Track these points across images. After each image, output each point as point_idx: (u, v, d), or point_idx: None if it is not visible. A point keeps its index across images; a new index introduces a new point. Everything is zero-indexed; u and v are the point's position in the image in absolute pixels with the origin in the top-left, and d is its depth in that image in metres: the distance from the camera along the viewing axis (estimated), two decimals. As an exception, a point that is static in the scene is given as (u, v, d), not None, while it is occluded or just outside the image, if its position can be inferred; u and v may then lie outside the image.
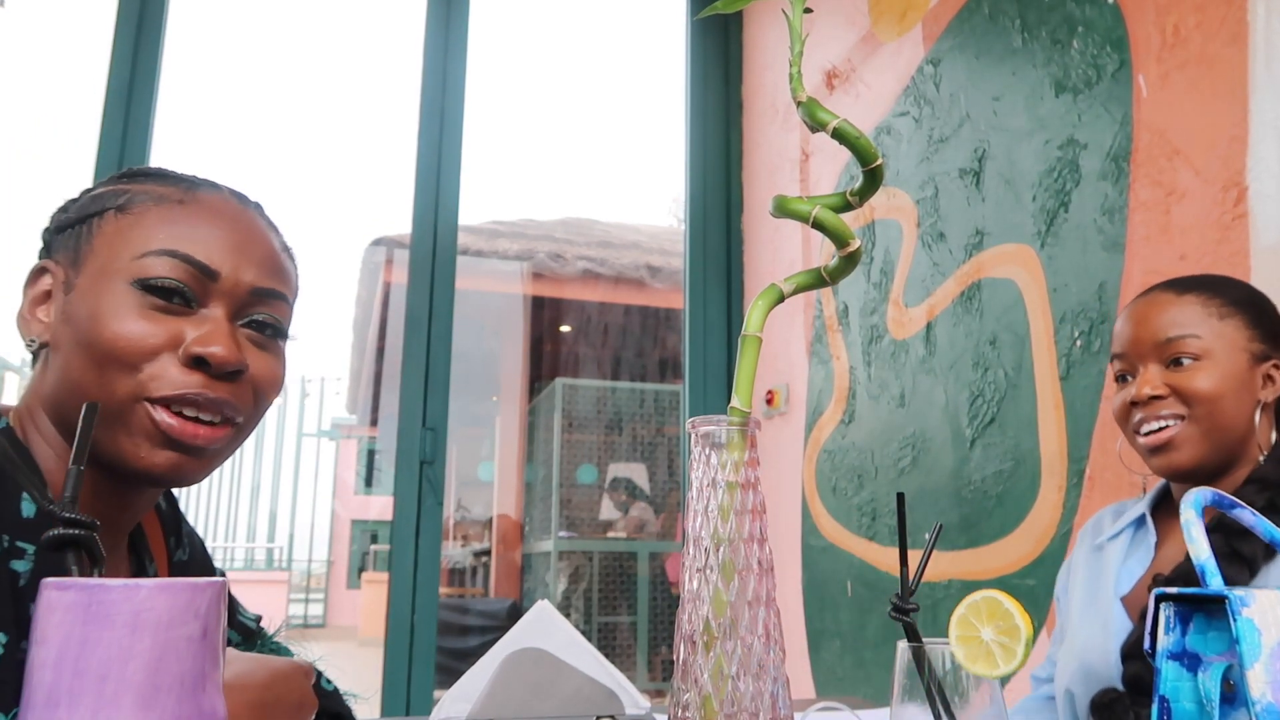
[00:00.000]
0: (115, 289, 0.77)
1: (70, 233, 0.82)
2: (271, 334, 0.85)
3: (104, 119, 2.54)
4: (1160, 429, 1.17)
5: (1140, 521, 1.28)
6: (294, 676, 0.78)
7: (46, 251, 0.85)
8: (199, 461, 0.79)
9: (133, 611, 0.44)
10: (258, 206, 0.89)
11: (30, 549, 0.72)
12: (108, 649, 0.44)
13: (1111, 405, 1.25)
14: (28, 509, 0.73)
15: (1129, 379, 1.22)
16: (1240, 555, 1.05)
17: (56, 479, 0.79)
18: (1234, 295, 1.20)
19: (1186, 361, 1.16)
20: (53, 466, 0.79)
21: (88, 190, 0.86)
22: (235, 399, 0.80)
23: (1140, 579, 1.22)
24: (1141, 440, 1.19)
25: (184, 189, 0.83)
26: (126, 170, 0.88)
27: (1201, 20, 1.64)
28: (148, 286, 0.77)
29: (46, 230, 0.86)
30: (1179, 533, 1.20)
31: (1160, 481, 1.29)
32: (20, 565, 0.71)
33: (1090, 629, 1.23)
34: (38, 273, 0.83)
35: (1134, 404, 1.19)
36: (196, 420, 0.78)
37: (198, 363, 0.78)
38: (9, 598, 0.70)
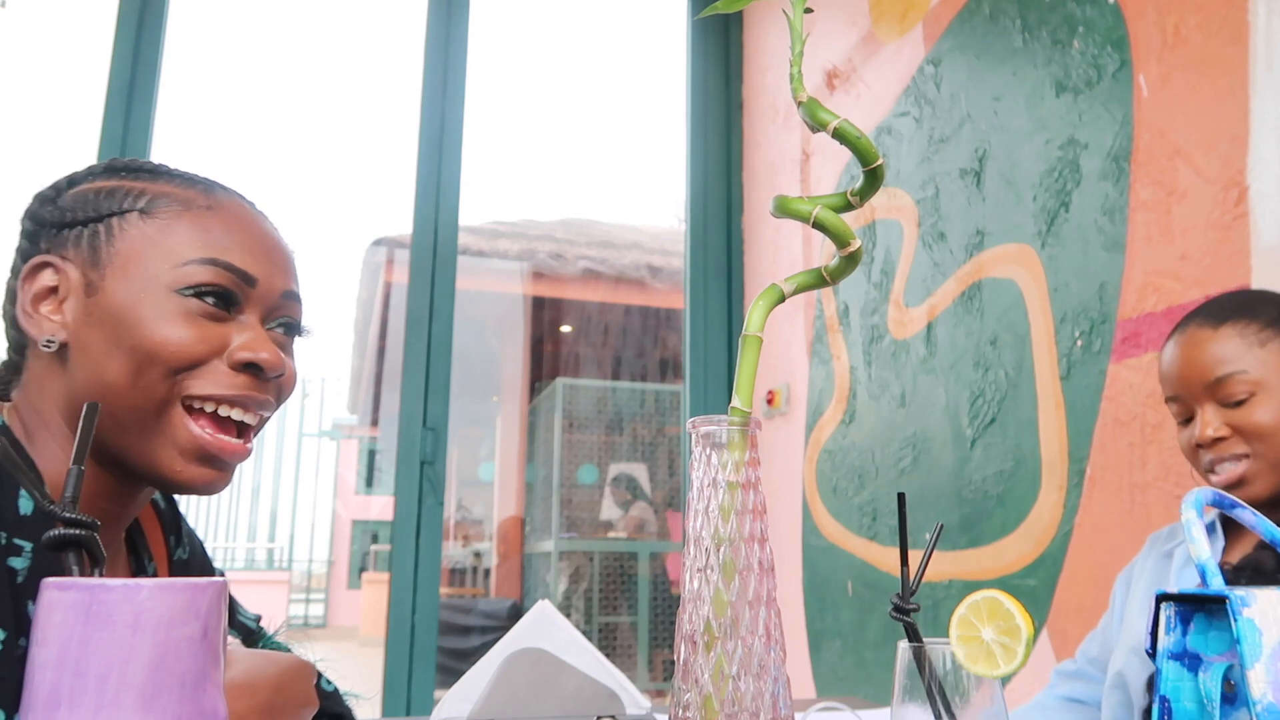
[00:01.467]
0: (156, 295, 0.78)
1: (79, 231, 0.81)
2: (294, 334, 0.88)
3: (105, 118, 2.54)
4: (1229, 468, 1.19)
5: (1209, 528, 1.29)
6: (300, 676, 0.78)
7: (34, 244, 0.83)
8: (227, 475, 0.82)
9: (133, 612, 0.44)
10: (262, 209, 0.90)
11: (28, 546, 0.71)
12: (108, 649, 0.44)
13: (1179, 442, 1.27)
14: (25, 506, 0.72)
15: (1187, 420, 1.24)
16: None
17: (60, 480, 0.78)
18: (1268, 315, 1.20)
19: (1241, 398, 1.17)
20: (58, 467, 0.79)
21: (73, 182, 0.84)
22: (273, 398, 0.84)
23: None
24: (1214, 479, 1.21)
25: (204, 193, 0.84)
26: (116, 163, 0.87)
27: (1202, 20, 1.63)
28: (195, 293, 0.78)
29: (34, 221, 0.84)
30: (1246, 536, 1.23)
31: (1193, 489, 1.31)
32: (18, 562, 0.71)
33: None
34: (36, 268, 0.81)
35: (1199, 445, 1.21)
36: (234, 426, 0.81)
37: (247, 367, 0.80)
38: (7, 595, 0.70)
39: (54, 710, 0.43)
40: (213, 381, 0.79)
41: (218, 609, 0.48)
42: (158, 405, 0.77)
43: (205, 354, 0.78)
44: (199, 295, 0.78)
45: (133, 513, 0.85)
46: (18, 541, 0.71)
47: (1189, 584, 1.25)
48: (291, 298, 0.86)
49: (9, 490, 0.73)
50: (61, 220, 0.82)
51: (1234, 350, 1.18)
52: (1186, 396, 1.22)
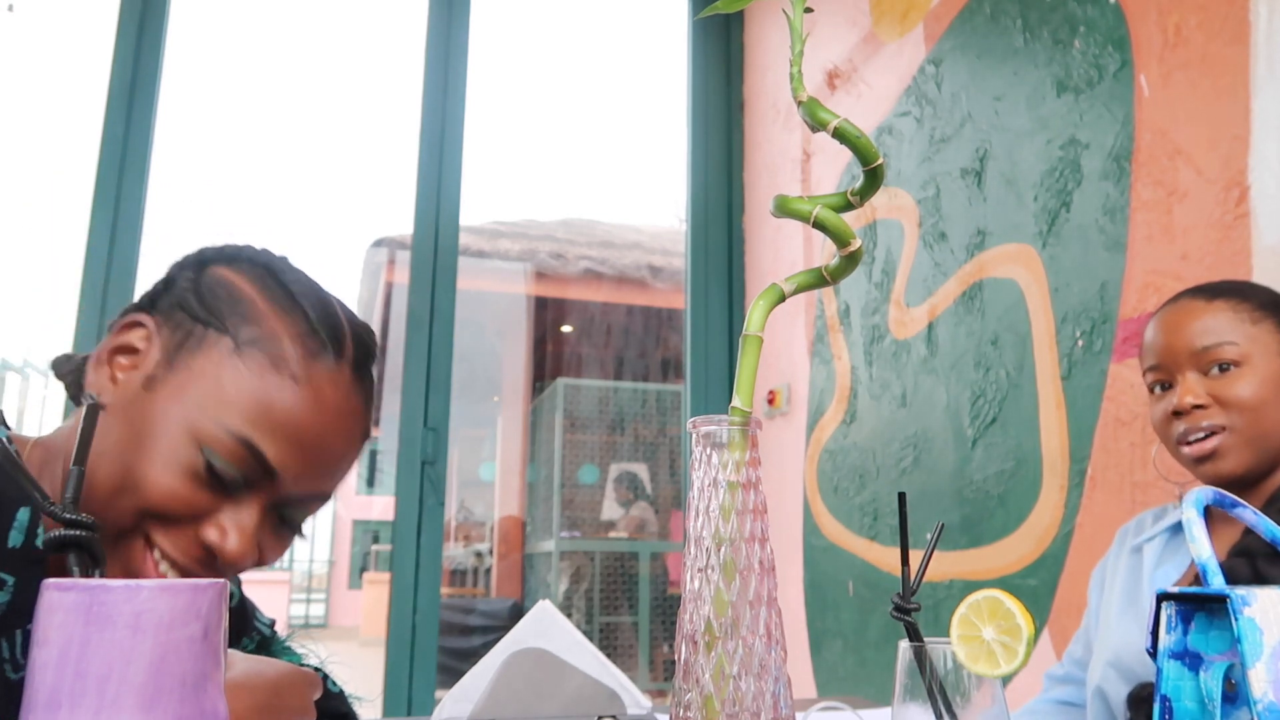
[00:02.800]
0: (177, 431, 0.74)
1: (184, 318, 0.78)
2: (294, 531, 0.83)
3: (106, 118, 2.54)
4: (1203, 438, 1.16)
5: (1177, 528, 1.27)
6: (299, 683, 0.77)
7: (155, 298, 0.80)
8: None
9: (134, 612, 0.44)
10: (371, 379, 0.86)
11: (10, 580, 0.68)
12: (109, 650, 0.44)
13: (1150, 416, 1.25)
14: (15, 538, 0.69)
15: (1165, 389, 1.22)
16: (1267, 580, 1.05)
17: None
18: (1262, 299, 1.19)
19: (1226, 369, 1.16)
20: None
21: (231, 259, 0.81)
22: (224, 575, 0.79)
23: (1178, 582, 1.22)
24: (1186, 450, 1.19)
25: (310, 358, 0.79)
26: (274, 264, 0.82)
27: (1203, 20, 1.63)
28: (209, 462, 0.74)
29: (167, 285, 0.81)
30: (1218, 536, 1.19)
31: (1193, 489, 1.28)
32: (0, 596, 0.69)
33: (1128, 629, 1.23)
34: (133, 324, 0.78)
35: (1176, 414, 1.19)
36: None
37: (209, 546, 0.76)
38: None
39: (55, 711, 0.43)
40: (171, 542, 0.75)
41: (218, 609, 0.48)
42: (118, 531, 0.74)
43: (182, 515, 0.74)
44: (210, 462, 0.74)
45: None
46: (1, 575, 0.69)
47: (1164, 583, 1.23)
48: (311, 499, 0.81)
49: (2, 520, 0.70)
50: (182, 297, 0.79)
51: (1225, 323, 1.17)
52: (1170, 364, 1.20)
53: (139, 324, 0.79)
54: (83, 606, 0.44)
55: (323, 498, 0.82)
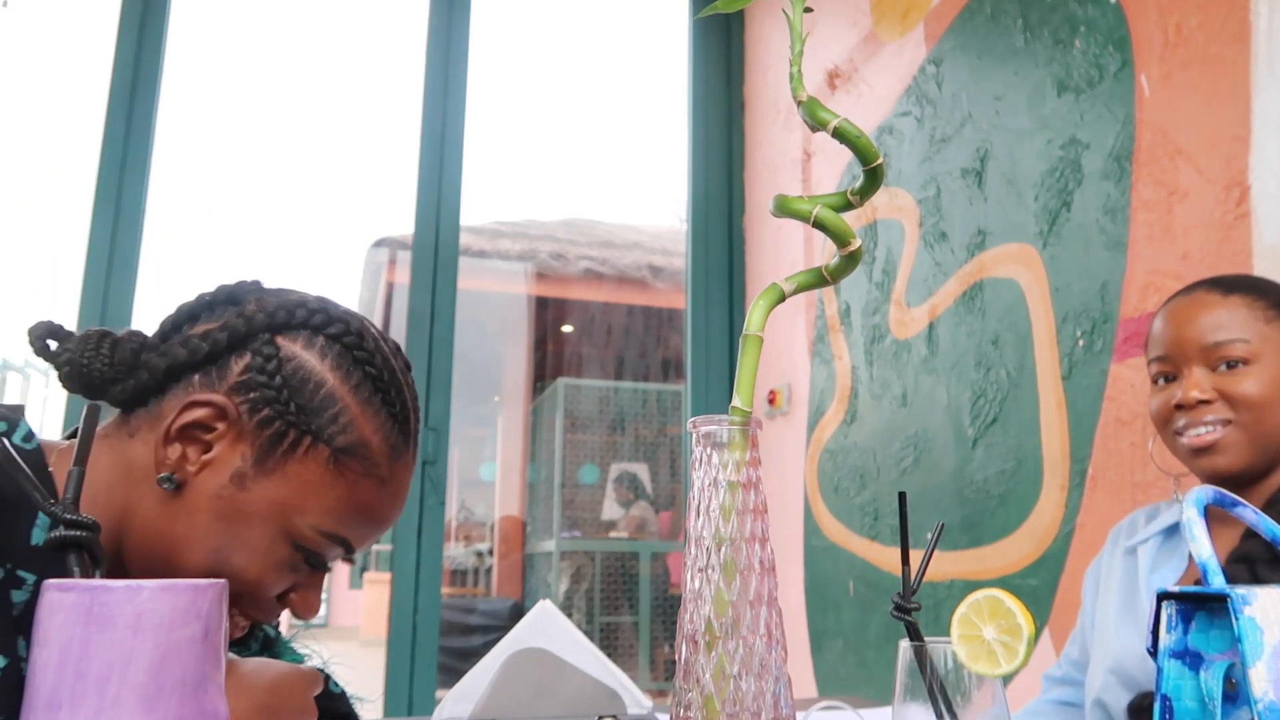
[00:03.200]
0: (274, 532, 0.76)
1: (270, 414, 0.76)
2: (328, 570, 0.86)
3: (107, 118, 2.54)
4: (1204, 432, 1.15)
5: (1172, 530, 1.26)
6: (298, 683, 0.78)
7: (211, 365, 0.77)
8: None
9: (134, 613, 0.44)
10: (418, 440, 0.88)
11: (31, 579, 0.70)
12: (109, 650, 0.44)
13: (1149, 407, 1.23)
14: (38, 536, 0.71)
15: (1169, 380, 1.20)
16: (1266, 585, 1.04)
17: None
18: (1277, 297, 1.17)
19: (1235, 365, 1.14)
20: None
21: (316, 328, 0.79)
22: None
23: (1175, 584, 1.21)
24: (1184, 441, 1.17)
25: (392, 458, 0.81)
26: (359, 342, 0.80)
27: (1204, 20, 1.63)
28: (304, 553, 0.78)
29: (230, 347, 0.77)
30: (1217, 540, 1.17)
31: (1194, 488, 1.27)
32: (19, 595, 0.70)
33: (1127, 635, 1.21)
34: (204, 404, 0.75)
35: (1178, 407, 1.17)
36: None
37: (290, 611, 0.81)
38: (8, 626, 0.69)
39: (55, 711, 0.43)
40: (256, 608, 0.79)
41: (218, 610, 0.48)
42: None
43: (270, 593, 0.78)
44: (306, 558, 0.78)
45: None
46: (21, 574, 0.70)
47: (1162, 588, 1.22)
48: (356, 552, 0.84)
49: (25, 519, 0.71)
50: (264, 385, 0.76)
51: (1240, 319, 1.15)
52: (1177, 356, 1.18)
53: (207, 405, 0.76)
54: (83, 607, 0.44)
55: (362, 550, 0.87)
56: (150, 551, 0.76)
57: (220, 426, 0.75)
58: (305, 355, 0.79)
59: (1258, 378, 1.13)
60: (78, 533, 0.52)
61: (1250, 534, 1.09)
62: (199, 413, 0.75)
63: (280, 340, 0.78)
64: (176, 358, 0.77)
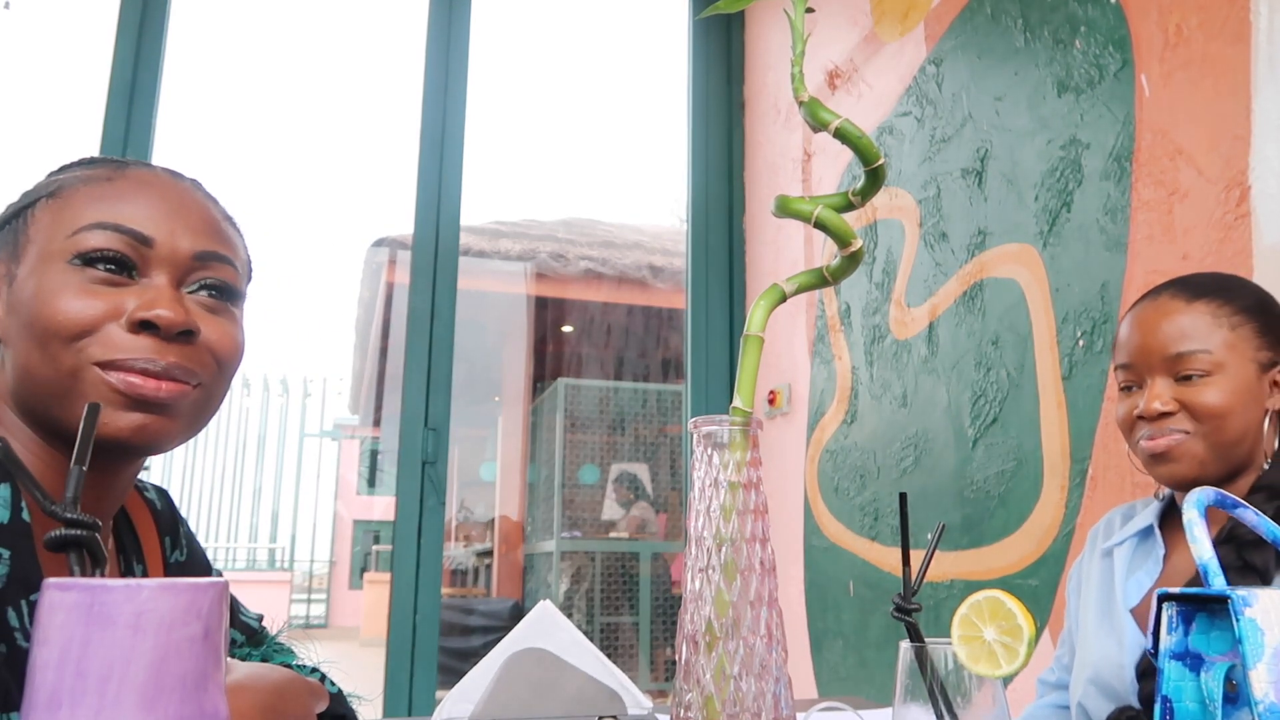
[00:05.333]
0: (53, 269, 0.77)
1: (7, 229, 0.82)
2: (221, 297, 0.83)
3: (106, 118, 2.54)
4: (1163, 440, 1.15)
5: (1147, 532, 1.26)
6: (302, 690, 0.77)
7: None
8: (167, 421, 0.78)
9: (135, 612, 0.44)
10: (194, 181, 0.88)
11: (7, 554, 0.70)
12: (110, 650, 0.44)
13: (1115, 413, 1.23)
14: (1, 514, 0.71)
15: (1134, 389, 1.20)
16: (1252, 567, 1.04)
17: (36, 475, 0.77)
18: (1244, 301, 1.17)
19: (1196, 376, 1.14)
20: (25, 461, 0.77)
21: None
22: (190, 363, 0.79)
23: (1149, 591, 1.20)
24: (1143, 445, 1.17)
25: (113, 168, 0.83)
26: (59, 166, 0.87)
27: (1204, 20, 1.63)
28: (85, 260, 0.77)
29: None
30: (1187, 543, 1.18)
31: (1169, 490, 1.27)
32: None
33: (1104, 643, 1.21)
34: None
35: (1141, 418, 1.17)
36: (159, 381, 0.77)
37: (144, 326, 0.76)
38: None
39: (55, 711, 0.43)
40: (110, 346, 0.75)
41: (219, 609, 0.48)
42: (68, 373, 0.75)
43: (96, 319, 0.75)
44: (92, 262, 0.77)
45: (114, 502, 0.84)
46: None
47: (1136, 593, 1.21)
48: (210, 258, 0.82)
49: None
50: (2, 223, 0.82)
51: (1203, 327, 1.15)
52: (1141, 365, 1.18)
53: None
54: (83, 606, 0.44)
55: (219, 257, 0.83)
56: (29, 402, 0.77)
57: None
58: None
59: (1219, 388, 1.13)
60: (78, 532, 0.52)
61: (1222, 542, 1.08)
62: None
63: None
64: None
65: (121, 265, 0.78)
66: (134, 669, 0.44)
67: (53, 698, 0.43)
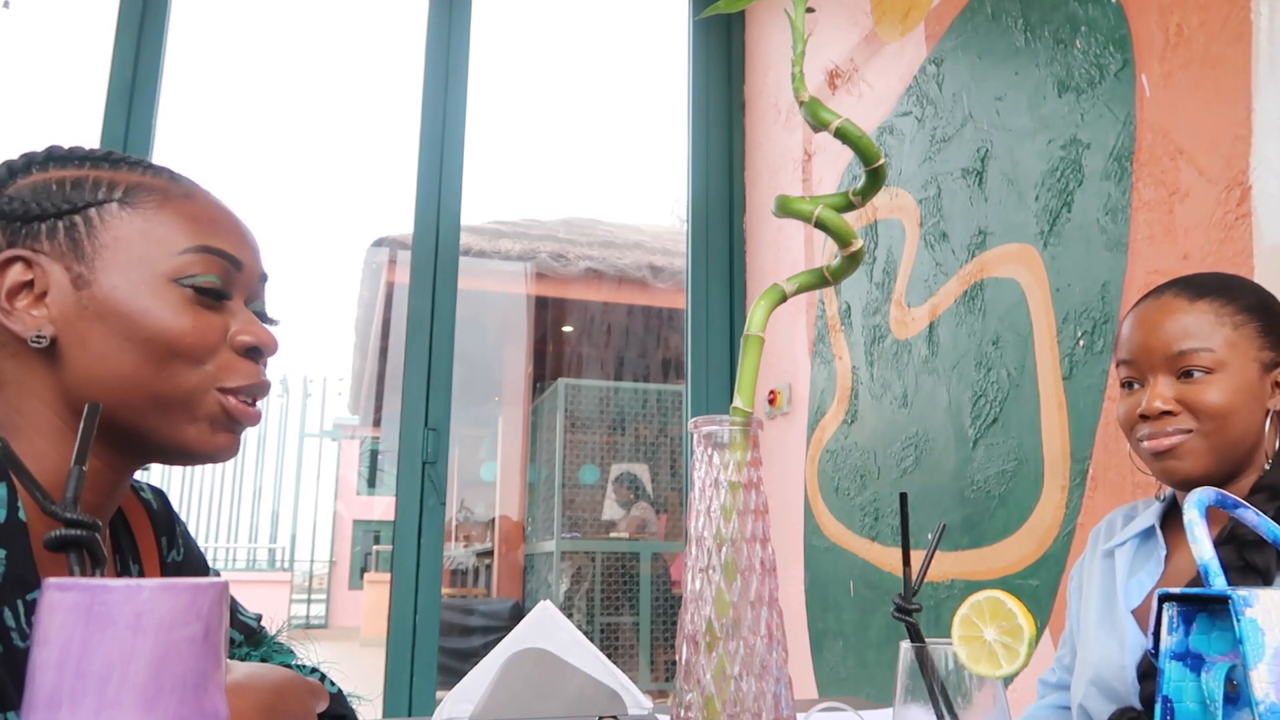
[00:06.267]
0: (159, 286, 0.78)
1: (53, 224, 0.78)
2: (265, 320, 0.88)
3: (106, 118, 2.54)
4: (1165, 439, 1.14)
5: (1149, 533, 1.26)
6: (302, 690, 0.77)
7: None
8: (239, 440, 0.85)
9: (135, 612, 0.44)
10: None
11: (2, 553, 0.70)
12: (110, 650, 0.44)
13: (1116, 411, 1.23)
14: None
15: (1135, 386, 1.20)
16: (1253, 567, 1.04)
17: (53, 477, 0.76)
18: (1247, 301, 1.17)
19: (1198, 374, 1.13)
20: (48, 465, 0.77)
21: (14, 171, 0.81)
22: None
23: (1150, 592, 1.20)
24: (1145, 444, 1.17)
25: (172, 182, 0.84)
26: (57, 151, 0.84)
27: (1205, 20, 1.63)
28: (195, 285, 0.79)
29: None
30: (1188, 544, 1.18)
31: (1170, 491, 1.27)
32: None
33: (1105, 644, 1.21)
34: (7, 262, 0.77)
35: (1143, 416, 1.16)
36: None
37: (250, 352, 0.82)
38: None
39: (55, 711, 0.43)
40: (232, 372, 0.81)
41: (219, 609, 0.48)
42: (189, 391, 0.79)
43: (216, 343, 0.80)
44: (196, 285, 0.79)
45: (113, 504, 0.84)
46: None
47: (1137, 593, 1.21)
48: (265, 281, 0.88)
49: None
50: (25, 213, 0.78)
51: (1206, 326, 1.14)
52: (1143, 363, 1.18)
53: (11, 261, 0.77)
54: (83, 606, 0.44)
55: (267, 279, 0.89)
56: (119, 411, 0.77)
57: (28, 273, 0.78)
58: (35, 172, 0.82)
59: (1221, 387, 1.13)
60: (78, 532, 0.52)
61: (1223, 542, 1.08)
62: (2, 276, 0.77)
63: (4, 189, 0.81)
64: None
65: (221, 289, 0.82)
66: (134, 669, 0.44)
67: (52, 698, 0.43)
